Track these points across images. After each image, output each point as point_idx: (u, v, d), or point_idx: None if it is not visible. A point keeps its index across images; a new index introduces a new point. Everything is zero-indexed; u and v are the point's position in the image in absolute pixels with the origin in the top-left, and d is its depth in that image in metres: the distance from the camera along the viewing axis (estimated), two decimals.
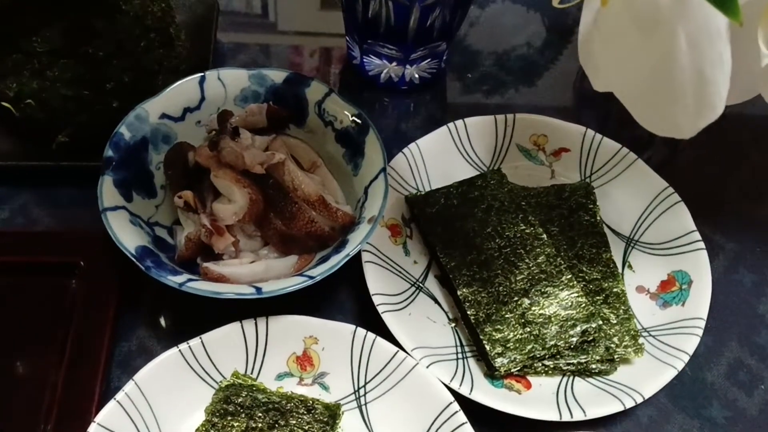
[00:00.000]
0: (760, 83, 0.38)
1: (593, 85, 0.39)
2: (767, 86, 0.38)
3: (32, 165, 0.53)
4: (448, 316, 0.51)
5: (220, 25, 0.65)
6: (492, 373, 0.47)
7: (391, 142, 0.59)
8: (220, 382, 0.44)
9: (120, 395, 0.42)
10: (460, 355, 0.48)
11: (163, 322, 0.50)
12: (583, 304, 0.48)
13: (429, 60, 0.62)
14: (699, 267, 0.51)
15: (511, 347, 0.47)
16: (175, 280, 0.42)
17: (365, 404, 0.45)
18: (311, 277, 0.43)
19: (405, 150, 0.55)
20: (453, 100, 0.65)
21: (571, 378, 0.48)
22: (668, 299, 0.51)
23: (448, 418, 0.43)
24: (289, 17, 0.72)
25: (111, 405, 0.41)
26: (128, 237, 0.44)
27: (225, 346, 0.45)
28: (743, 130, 0.64)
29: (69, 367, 0.45)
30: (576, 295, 0.49)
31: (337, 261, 0.44)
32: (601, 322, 0.48)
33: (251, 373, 0.45)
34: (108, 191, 0.46)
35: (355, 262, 0.49)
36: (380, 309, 0.47)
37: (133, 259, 0.43)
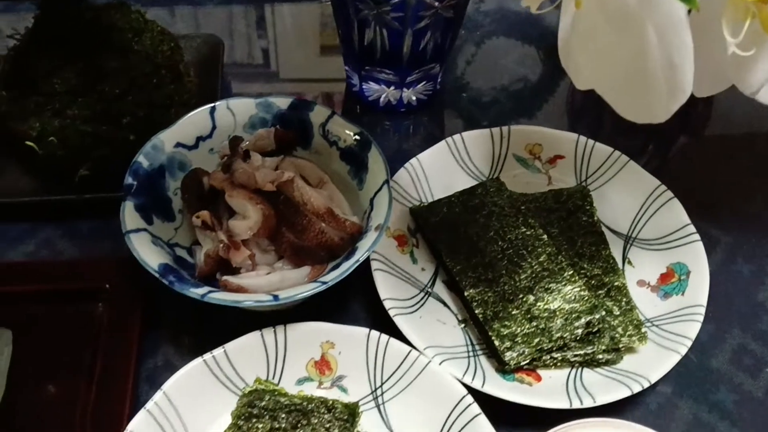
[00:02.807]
0: (729, 72, 0.41)
1: (575, 84, 0.41)
2: (736, 74, 0.41)
3: (56, 199, 0.56)
4: (457, 318, 0.53)
5: (224, 75, 0.68)
6: (503, 368, 0.49)
7: (393, 161, 0.61)
8: (243, 388, 0.46)
9: (149, 404, 0.44)
10: (471, 353, 0.50)
11: (186, 337, 0.52)
12: (586, 297, 0.50)
13: (424, 82, 0.65)
14: (696, 258, 0.53)
15: (519, 341, 0.49)
16: (197, 291, 0.45)
17: (383, 404, 0.47)
18: (324, 283, 0.46)
19: (407, 165, 0.58)
20: (450, 118, 0.69)
21: (580, 369, 0.49)
22: (668, 290, 0.53)
23: (463, 411, 0.45)
24: (291, 65, 0.75)
25: (141, 414, 0.43)
26: (151, 256, 0.46)
27: (247, 355, 0.47)
28: (729, 131, 0.67)
29: (99, 385, 0.47)
30: (579, 289, 0.51)
31: (348, 266, 0.46)
32: (604, 313, 0.50)
33: (273, 379, 0.47)
34: (130, 215, 0.48)
35: (365, 272, 0.51)
36: (392, 313, 0.49)
37: (156, 275, 0.45)
